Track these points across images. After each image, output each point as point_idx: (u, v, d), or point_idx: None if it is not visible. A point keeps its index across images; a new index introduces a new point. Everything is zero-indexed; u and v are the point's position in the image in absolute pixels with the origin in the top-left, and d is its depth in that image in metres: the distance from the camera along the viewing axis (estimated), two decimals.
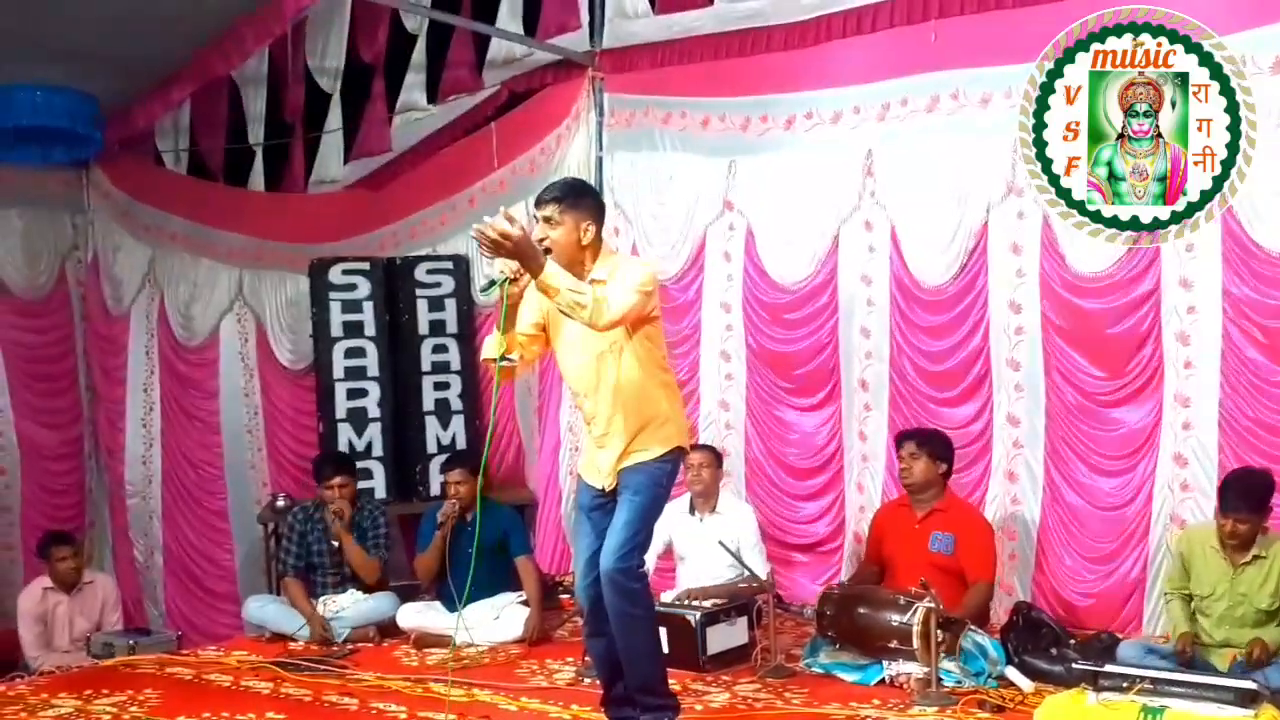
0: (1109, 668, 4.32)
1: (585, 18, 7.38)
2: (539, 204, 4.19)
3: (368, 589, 6.34)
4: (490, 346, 4.17)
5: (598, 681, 4.50)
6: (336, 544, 6.34)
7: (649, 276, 4.16)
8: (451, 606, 5.96)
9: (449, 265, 7.85)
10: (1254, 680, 4.19)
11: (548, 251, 4.00)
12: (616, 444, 4.18)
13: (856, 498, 6.49)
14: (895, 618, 4.95)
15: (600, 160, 7.37)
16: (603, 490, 4.25)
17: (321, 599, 6.27)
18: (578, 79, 7.42)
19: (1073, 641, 5.16)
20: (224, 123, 8.50)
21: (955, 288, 6.16)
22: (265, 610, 6.38)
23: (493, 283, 4.03)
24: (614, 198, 7.21)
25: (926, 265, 6.22)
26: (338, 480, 6.36)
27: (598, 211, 4.24)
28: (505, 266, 3.95)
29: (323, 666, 5.57)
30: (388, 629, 6.16)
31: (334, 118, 8.24)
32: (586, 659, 5.35)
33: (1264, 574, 4.74)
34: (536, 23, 7.55)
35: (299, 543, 6.37)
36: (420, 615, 6.10)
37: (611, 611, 4.14)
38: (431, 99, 8.01)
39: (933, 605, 4.80)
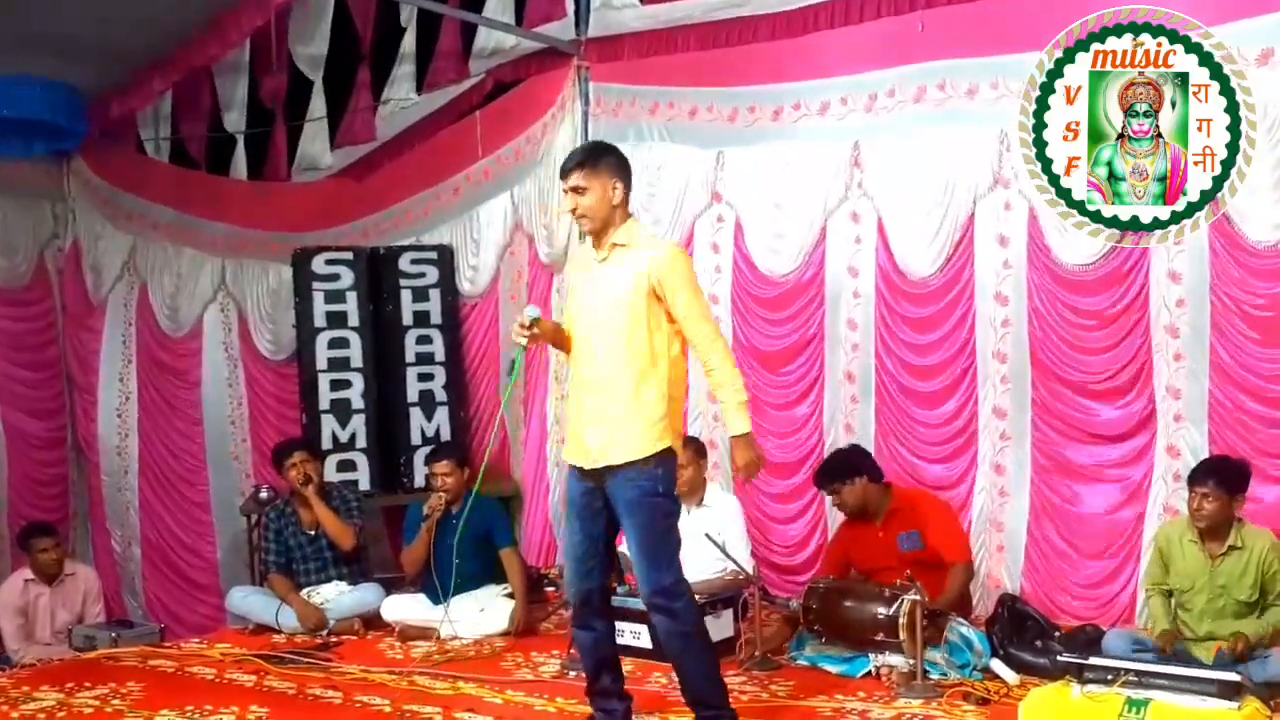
0: (1094, 660, 4.34)
1: (571, 6, 7.34)
2: (564, 175, 4.18)
3: (350, 576, 6.33)
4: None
5: (584, 673, 4.49)
6: (311, 533, 6.35)
7: (690, 267, 4.21)
8: (436, 599, 5.96)
9: (433, 255, 7.82)
10: (1238, 672, 4.21)
11: (581, 218, 4.14)
12: (611, 427, 4.09)
13: None
14: (881, 610, 4.96)
15: None
16: (590, 486, 4.18)
17: (305, 590, 6.26)
18: (563, 68, 7.38)
19: (1058, 634, 5.18)
20: (206, 111, 8.44)
21: (941, 279, 6.15)
22: (248, 601, 6.37)
23: (515, 363, 4.47)
24: None
25: (913, 257, 6.21)
26: (298, 456, 6.38)
27: (622, 169, 4.19)
28: (518, 340, 4.19)
29: (307, 659, 5.55)
30: (372, 621, 6.15)
31: (317, 106, 8.19)
32: (572, 651, 5.35)
33: (1242, 565, 4.75)
34: (523, 11, 7.51)
35: (276, 539, 6.39)
36: (405, 607, 6.09)
37: (662, 634, 4.19)
38: (417, 88, 7.97)
39: (918, 598, 4.80)
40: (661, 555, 4.09)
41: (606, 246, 4.17)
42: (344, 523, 6.31)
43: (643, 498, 4.06)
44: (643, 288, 4.08)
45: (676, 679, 4.30)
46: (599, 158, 4.18)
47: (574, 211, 4.14)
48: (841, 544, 5.69)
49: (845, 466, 5.59)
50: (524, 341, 4.19)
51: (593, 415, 4.15)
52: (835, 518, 6.48)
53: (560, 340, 4.33)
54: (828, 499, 6.42)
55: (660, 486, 4.11)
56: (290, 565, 6.35)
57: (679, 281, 4.09)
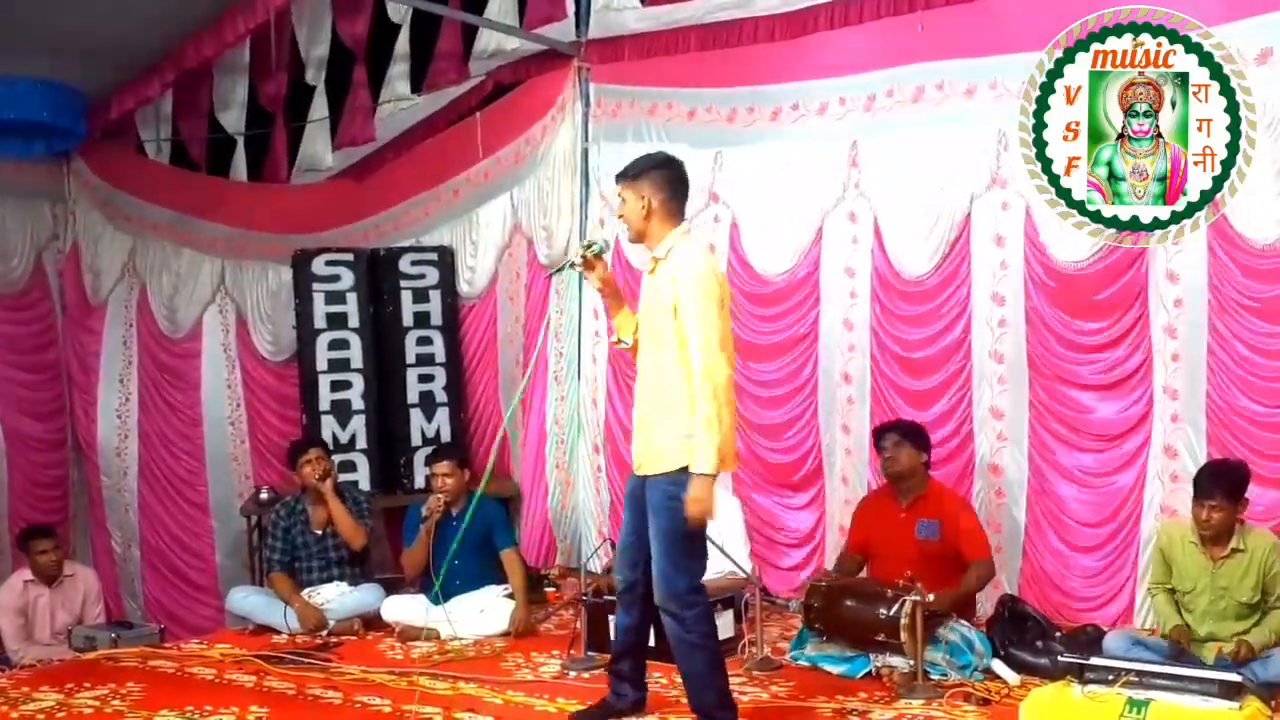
0: (1094, 660, 4.33)
1: (571, 8, 7.35)
2: (616, 181, 4.40)
3: (351, 577, 6.32)
4: (624, 328, 4.40)
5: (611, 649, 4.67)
6: (320, 533, 6.34)
7: (708, 281, 4.11)
8: (436, 599, 5.95)
9: (433, 256, 7.83)
10: (1239, 673, 4.20)
11: (624, 223, 4.31)
12: (648, 434, 4.25)
13: (841, 490, 6.48)
14: (882, 610, 4.95)
15: (586, 151, 7.34)
16: (639, 482, 4.31)
17: (305, 590, 6.25)
18: (563, 69, 7.39)
19: (1058, 634, 5.17)
20: (206, 112, 8.44)
21: (936, 279, 6.15)
22: (249, 601, 6.35)
23: (565, 266, 4.37)
24: (600, 189, 7.20)
25: (908, 256, 6.21)
26: (314, 452, 6.37)
27: (663, 181, 4.27)
28: (586, 250, 4.33)
29: (306, 659, 5.54)
30: (372, 621, 6.14)
31: (318, 107, 8.19)
32: (571, 652, 5.36)
33: (1244, 567, 4.74)
34: (523, 13, 7.51)
35: (283, 538, 6.37)
36: (404, 608, 6.08)
37: (668, 636, 4.24)
38: (416, 89, 7.97)
39: (919, 598, 4.80)
40: (680, 561, 4.18)
41: (650, 259, 4.32)
42: (357, 523, 6.32)
43: (667, 501, 4.12)
44: (669, 300, 4.17)
45: (683, 683, 4.34)
46: (641, 171, 4.30)
47: (620, 217, 4.36)
48: (862, 520, 5.70)
49: (914, 431, 5.61)
50: (578, 261, 4.31)
51: (638, 421, 4.34)
52: (834, 518, 6.49)
53: (615, 302, 4.46)
54: (830, 491, 6.43)
55: (684, 493, 4.10)
56: (293, 564, 6.35)
57: (687, 300, 4.11)
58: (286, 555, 6.35)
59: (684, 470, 4.11)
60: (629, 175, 4.32)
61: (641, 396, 4.32)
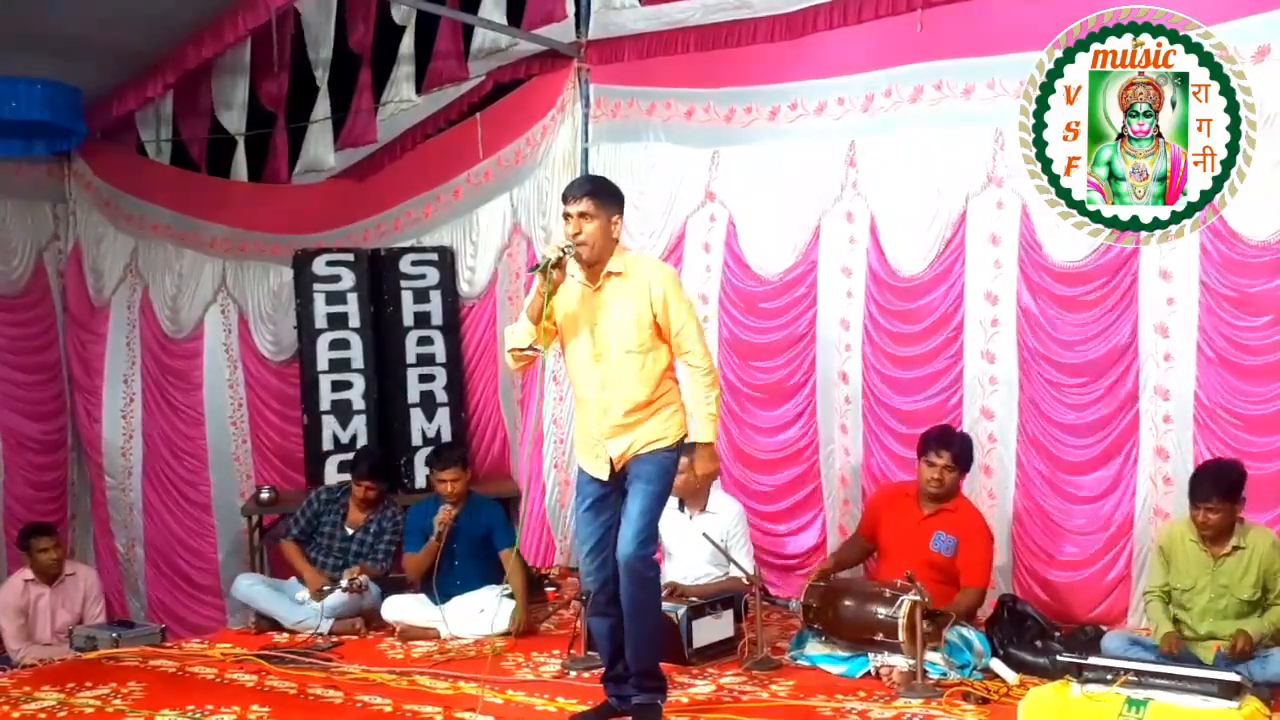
0: (1093, 660, 4.34)
1: (571, 8, 7.36)
2: (569, 199, 4.27)
3: None
4: (521, 336, 4.30)
5: (601, 659, 4.60)
6: (350, 532, 6.39)
7: (681, 285, 4.45)
8: (436, 599, 5.95)
9: (434, 257, 7.83)
10: (1238, 672, 4.21)
11: (582, 244, 4.17)
12: (633, 433, 4.29)
13: (839, 491, 6.48)
14: (881, 610, 4.96)
15: (586, 152, 7.34)
16: (606, 481, 4.35)
17: None
18: (564, 70, 7.39)
19: (1058, 634, 5.17)
20: (207, 112, 8.45)
21: (931, 277, 6.14)
22: (254, 590, 6.33)
23: (540, 267, 4.17)
24: None
25: (904, 256, 6.20)
26: (366, 483, 6.39)
27: (621, 206, 4.35)
28: (553, 250, 4.19)
29: (307, 659, 5.55)
30: (373, 621, 6.15)
31: (320, 108, 8.20)
32: (572, 651, 5.37)
33: (1244, 565, 4.76)
34: (522, 13, 7.52)
35: (313, 519, 6.42)
36: (405, 607, 6.09)
37: (627, 599, 4.27)
38: (417, 89, 7.98)
39: (918, 598, 4.81)
40: (653, 526, 4.31)
41: (601, 276, 4.28)
42: (372, 566, 6.31)
43: (660, 473, 4.31)
44: (648, 309, 4.25)
45: (629, 653, 4.37)
46: (609, 195, 4.30)
47: (575, 236, 4.21)
48: (879, 509, 5.67)
49: (966, 454, 5.56)
50: (553, 256, 4.19)
51: (610, 428, 4.32)
52: (832, 519, 6.49)
53: (539, 316, 4.24)
54: (827, 492, 6.43)
55: (673, 468, 4.38)
56: (308, 546, 6.38)
57: (675, 298, 4.31)
58: (304, 535, 6.40)
59: (679, 443, 4.35)
60: (598, 194, 4.24)
61: (610, 405, 4.29)
